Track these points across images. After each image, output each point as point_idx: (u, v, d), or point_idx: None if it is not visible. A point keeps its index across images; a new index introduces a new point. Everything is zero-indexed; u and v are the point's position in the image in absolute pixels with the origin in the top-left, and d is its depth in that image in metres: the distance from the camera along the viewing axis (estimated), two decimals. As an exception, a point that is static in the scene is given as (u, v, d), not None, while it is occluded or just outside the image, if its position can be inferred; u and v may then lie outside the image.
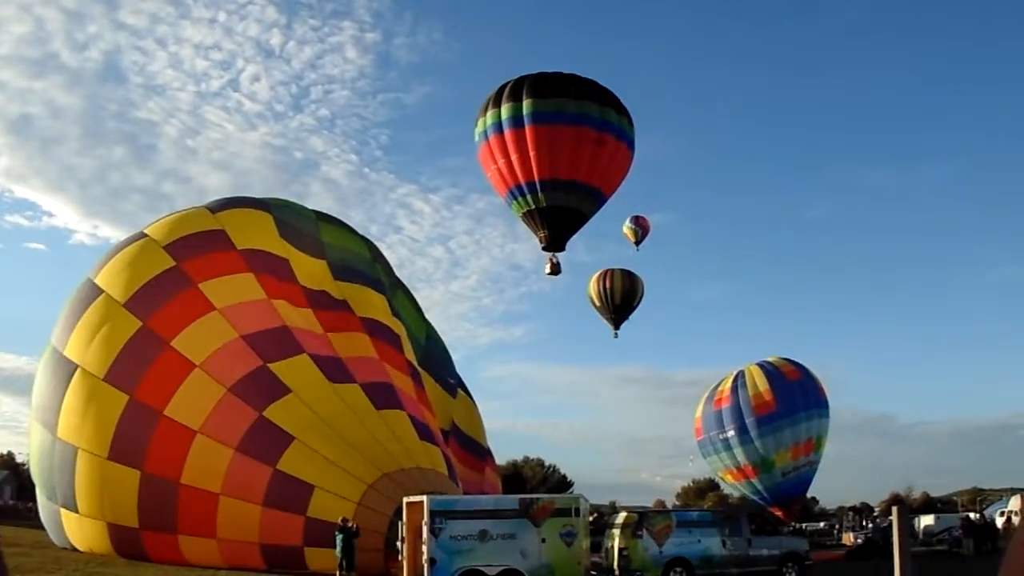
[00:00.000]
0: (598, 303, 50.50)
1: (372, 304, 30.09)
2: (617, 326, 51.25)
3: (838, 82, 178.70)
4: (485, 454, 35.31)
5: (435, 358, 34.55)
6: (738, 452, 47.46)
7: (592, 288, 50.98)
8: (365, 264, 32.17)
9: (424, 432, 27.19)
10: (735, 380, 48.81)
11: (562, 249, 36.40)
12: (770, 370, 48.36)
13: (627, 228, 53.36)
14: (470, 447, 34.34)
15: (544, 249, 36.27)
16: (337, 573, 21.80)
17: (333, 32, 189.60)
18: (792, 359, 49.82)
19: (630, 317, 50.60)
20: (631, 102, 36.52)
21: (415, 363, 30.85)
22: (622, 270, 51.04)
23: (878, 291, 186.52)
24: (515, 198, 35.07)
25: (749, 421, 46.96)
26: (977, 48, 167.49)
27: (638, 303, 50.53)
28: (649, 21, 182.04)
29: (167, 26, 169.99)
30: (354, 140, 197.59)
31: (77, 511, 25.33)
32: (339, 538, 21.77)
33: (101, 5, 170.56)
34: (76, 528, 25.97)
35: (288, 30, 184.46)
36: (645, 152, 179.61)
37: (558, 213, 34.76)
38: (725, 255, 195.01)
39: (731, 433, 47.51)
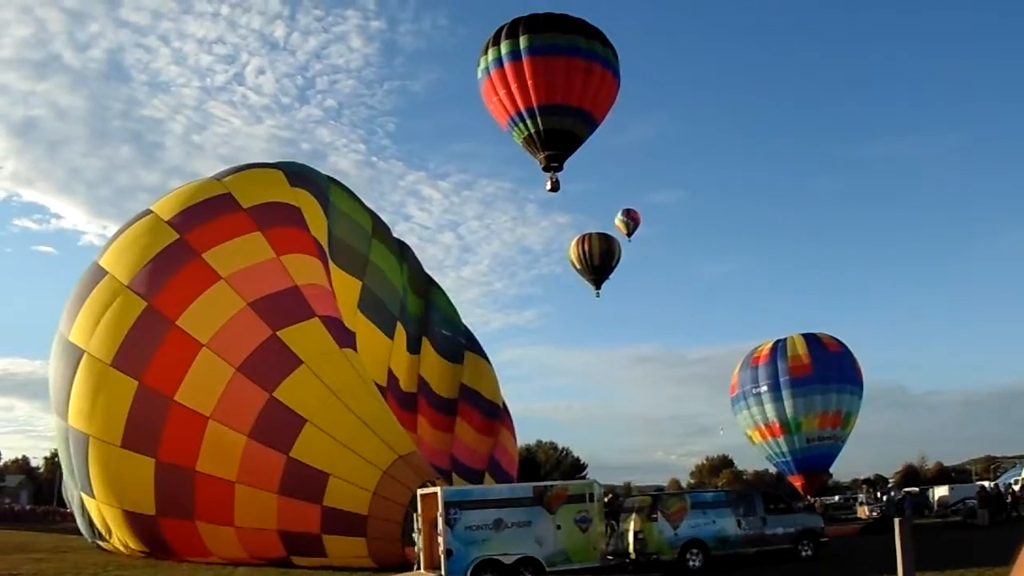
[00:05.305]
0: (579, 265, 54.31)
1: (344, 289, 29.86)
2: (598, 286, 55.66)
3: (843, 57, 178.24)
4: (500, 414, 35.70)
5: (432, 324, 35.11)
6: (768, 408, 48.54)
7: (572, 252, 54.59)
8: (360, 237, 31.93)
9: None
10: (776, 343, 50.17)
11: (560, 169, 39.42)
12: (812, 339, 49.83)
13: (619, 220, 56.72)
14: (483, 408, 34.92)
15: (544, 170, 39.41)
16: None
17: (337, 21, 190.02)
18: (835, 337, 50.87)
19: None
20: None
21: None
22: (599, 233, 54.81)
23: (887, 263, 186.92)
24: (515, 125, 38.20)
25: (783, 380, 48.54)
26: (981, 17, 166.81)
27: (616, 263, 54.58)
28: (655, 1, 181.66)
29: (170, 22, 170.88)
30: (361, 129, 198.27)
31: (94, 497, 25.31)
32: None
33: (102, 4, 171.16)
34: (97, 512, 25.97)
35: (292, 21, 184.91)
36: (653, 131, 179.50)
37: (554, 135, 37.93)
38: (734, 231, 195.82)
39: (764, 388, 48.92)
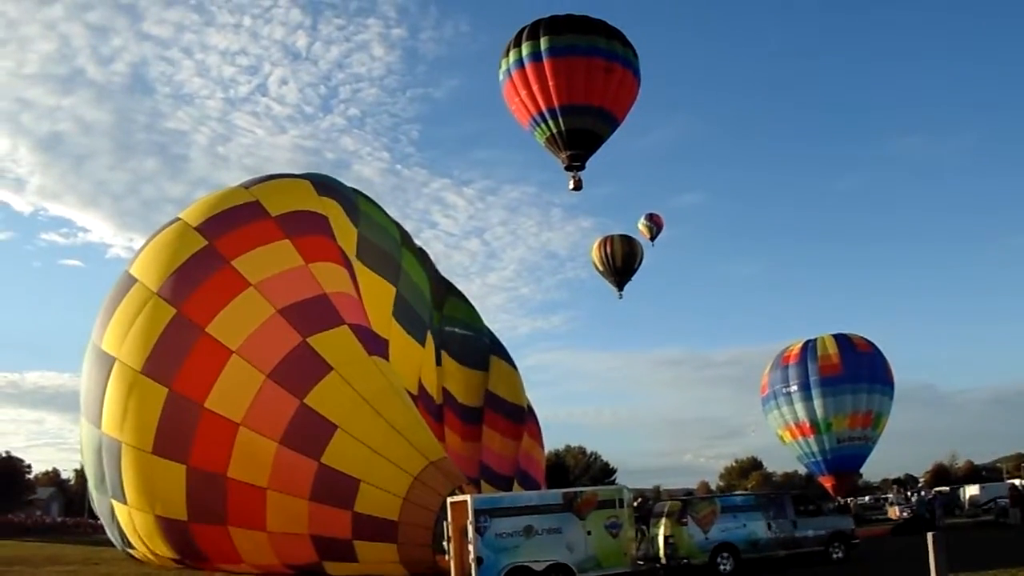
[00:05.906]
0: (601, 267, 55.03)
1: (379, 294, 29.78)
2: (621, 288, 56.43)
3: (859, 56, 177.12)
4: (524, 417, 35.79)
5: (446, 332, 35.12)
6: (798, 407, 48.68)
7: (595, 254, 55.19)
8: (391, 244, 31.97)
9: None
10: (806, 343, 50.27)
11: (583, 168, 40.25)
12: (842, 340, 49.90)
13: (642, 225, 57.20)
14: (507, 412, 34.91)
15: (566, 169, 40.22)
16: None
17: (359, 30, 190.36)
18: (866, 337, 50.87)
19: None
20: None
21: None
22: (621, 235, 55.34)
23: (913, 261, 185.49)
24: (537, 125, 39.04)
25: (813, 380, 48.70)
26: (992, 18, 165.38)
27: (638, 265, 55.18)
28: (676, 4, 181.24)
29: (192, 34, 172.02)
30: (385, 138, 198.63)
31: (126, 503, 25.40)
32: None
33: (125, 17, 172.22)
34: (128, 519, 26.03)
35: (313, 31, 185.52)
36: (674, 133, 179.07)
37: (576, 135, 38.76)
38: (759, 232, 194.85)
39: (794, 388, 49.16)
